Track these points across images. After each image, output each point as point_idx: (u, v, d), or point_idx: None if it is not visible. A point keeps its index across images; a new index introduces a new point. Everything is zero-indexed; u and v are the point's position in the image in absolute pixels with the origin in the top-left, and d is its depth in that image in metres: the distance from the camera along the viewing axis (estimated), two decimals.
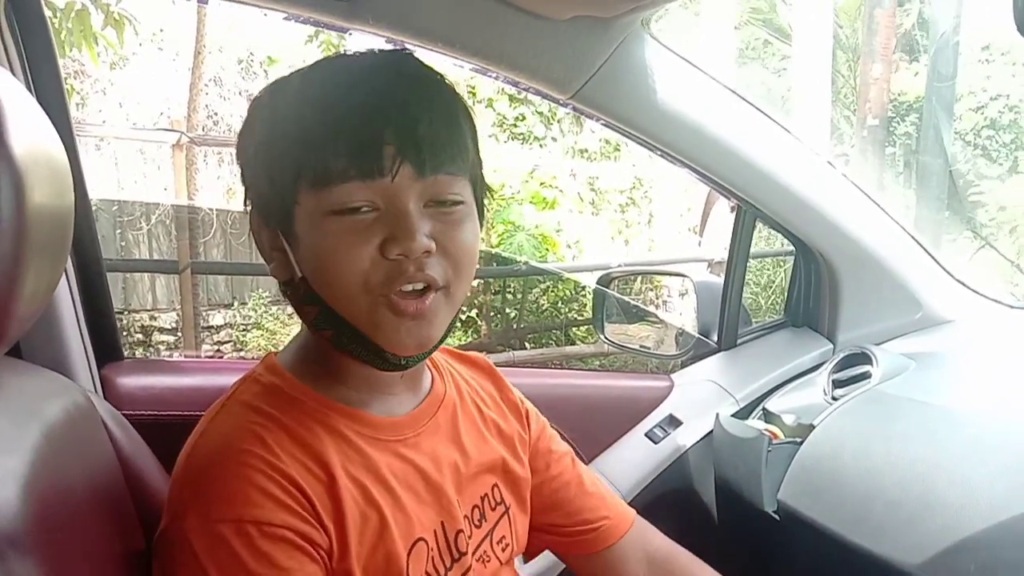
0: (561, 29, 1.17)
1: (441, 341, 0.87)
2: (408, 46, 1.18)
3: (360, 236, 0.78)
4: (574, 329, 6.99)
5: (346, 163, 0.77)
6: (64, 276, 1.15)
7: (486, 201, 0.92)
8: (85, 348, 1.20)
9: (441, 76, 0.86)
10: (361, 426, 0.87)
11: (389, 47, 1.18)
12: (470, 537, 0.94)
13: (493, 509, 1.00)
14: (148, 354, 6.08)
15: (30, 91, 1.12)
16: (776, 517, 1.30)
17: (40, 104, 0.76)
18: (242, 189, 0.89)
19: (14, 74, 1.09)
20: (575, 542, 1.10)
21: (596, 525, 1.09)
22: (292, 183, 0.79)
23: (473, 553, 0.94)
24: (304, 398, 0.85)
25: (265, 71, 6.83)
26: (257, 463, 0.77)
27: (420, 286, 0.80)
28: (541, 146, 7.45)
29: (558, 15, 1.14)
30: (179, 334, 6.16)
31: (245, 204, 0.88)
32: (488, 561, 0.97)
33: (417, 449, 0.91)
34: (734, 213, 1.64)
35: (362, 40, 1.17)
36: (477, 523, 0.96)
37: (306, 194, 0.79)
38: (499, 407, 1.08)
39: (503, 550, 1.00)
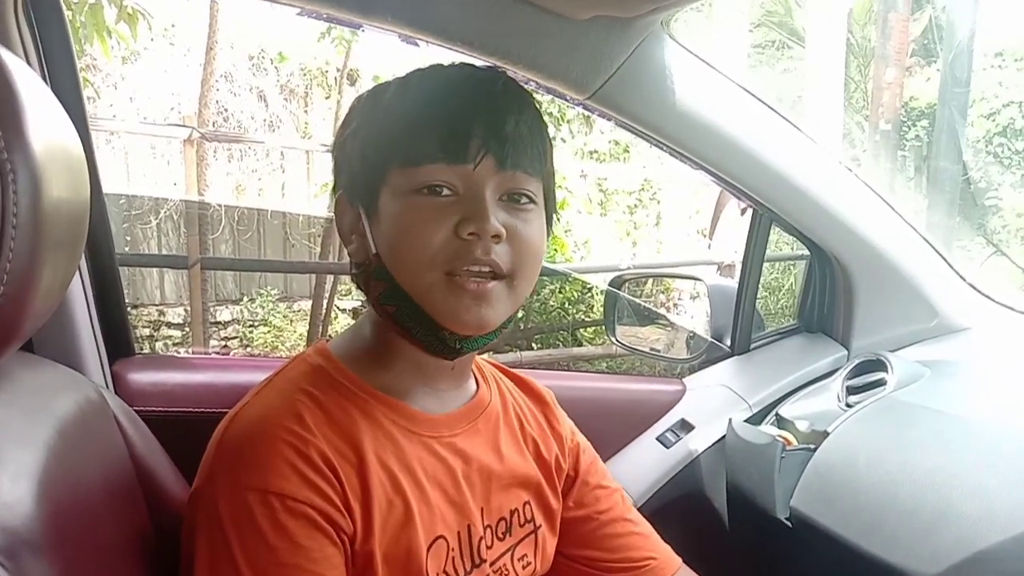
0: (580, 29, 1.16)
1: (497, 332, 0.91)
2: (424, 43, 1.18)
3: (438, 213, 0.84)
4: (581, 330, 6.98)
5: (436, 147, 0.85)
6: (77, 271, 1.15)
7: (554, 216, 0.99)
8: (97, 343, 1.20)
9: (530, 93, 0.94)
10: (398, 416, 0.90)
11: (402, 44, 1.19)
12: (490, 547, 0.95)
13: (521, 526, 1.01)
14: (155, 349, 6.09)
15: (46, 83, 1.12)
16: (789, 524, 1.28)
17: (56, 97, 0.75)
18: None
19: (31, 67, 1.09)
20: None
21: (640, 564, 1.10)
22: (384, 162, 0.87)
23: (492, 564, 0.95)
24: (347, 383, 0.89)
25: (276, 68, 6.83)
26: (291, 438, 0.80)
27: (486, 269, 0.85)
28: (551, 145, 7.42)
29: (577, 15, 1.13)
30: (186, 329, 6.18)
31: (334, 191, 0.96)
32: (506, 575, 0.97)
33: (451, 449, 0.93)
34: (744, 216, 1.63)
35: (375, 37, 1.17)
36: (500, 536, 0.97)
37: (395, 173, 0.86)
38: (543, 431, 1.09)
39: (524, 568, 1.00)
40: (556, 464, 1.07)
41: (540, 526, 1.03)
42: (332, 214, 0.99)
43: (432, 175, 0.85)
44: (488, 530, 0.95)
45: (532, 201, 0.90)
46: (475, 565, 0.92)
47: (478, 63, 0.98)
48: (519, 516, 1.00)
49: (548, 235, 0.95)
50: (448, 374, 0.95)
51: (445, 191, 0.85)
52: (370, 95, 0.94)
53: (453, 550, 0.90)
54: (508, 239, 0.86)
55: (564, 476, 1.09)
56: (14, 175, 0.56)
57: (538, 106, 0.93)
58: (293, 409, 0.83)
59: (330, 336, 0.98)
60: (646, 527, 1.15)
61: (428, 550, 0.87)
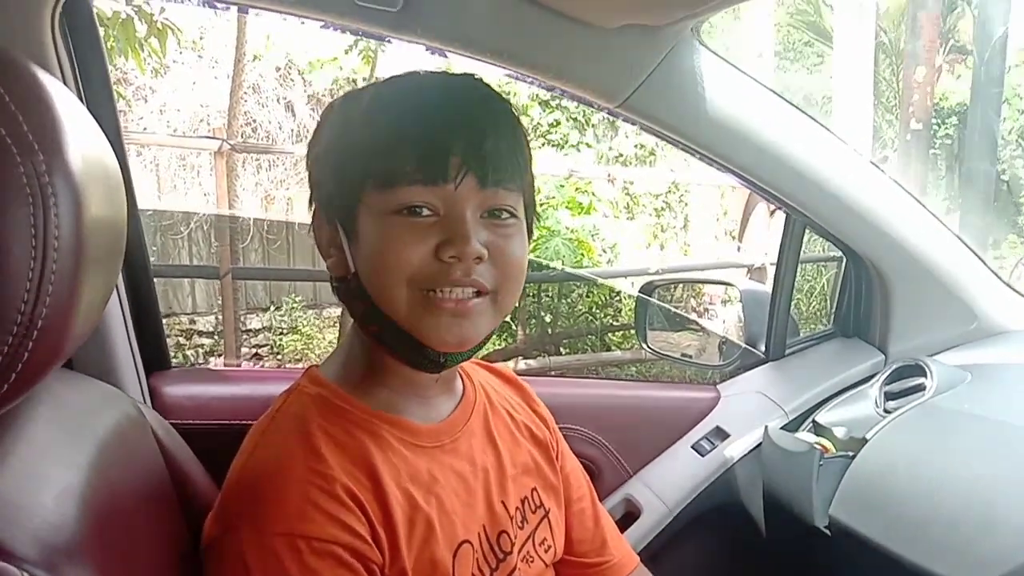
0: (610, 37, 1.15)
1: (481, 345, 0.90)
2: (454, 56, 1.18)
3: (418, 235, 0.82)
4: (610, 335, 6.94)
5: (414, 168, 0.81)
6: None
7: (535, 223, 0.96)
8: (134, 358, 1.21)
9: (507, 100, 0.90)
10: (403, 433, 0.90)
11: (429, 56, 1.19)
12: (514, 538, 0.96)
13: (534, 512, 1.02)
14: (187, 357, 6.16)
15: (81, 101, 1.13)
16: (827, 532, 1.26)
17: (92, 113, 0.76)
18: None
19: (66, 84, 1.10)
20: (575, 574, 1.11)
21: (600, 561, 1.11)
22: (359, 183, 0.84)
23: (518, 553, 0.96)
24: (349, 407, 0.88)
25: (303, 78, 6.89)
26: (314, 478, 0.80)
27: (470, 291, 0.83)
28: (577, 150, 7.43)
29: (607, 23, 1.13)
30: (217, 337, 6.24)
31: (310, 203, 0.93)
32: (532, 562, 0.99)
33: (456, 454, 0.94)
34: (774, 217, 1.62)
35: (403, 49, 1.17)
36: (520, 525, 0.99)
37: (371, 194, 0.83)
38: (529, 414, 1.10)
39: (546, 551, 1.02)
40: (550, 445, 1.09)
41: (550, 509, 1.04)
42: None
43: (410, 196, 0.81)
44: (511, 521, 0.96)
45: (513, 216, 0.87)
46: (499, 560, 0.93)
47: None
48: (530, 503, 1.02)
49: (528, 245, 0.92)
50: (435, 384, 0.94)
51: (425, 211, 0.82)
52: (342, 106, 0.91)
53: (477, 552, 0.91)
54: (491, 257, 0.84)
55: (556, 456, 1.10)
56: (55, 198, 0.56)
57: (517, 114, 0.90)
58: (310, 446, 0.82)
59: (316, 363, 0.97)
60: (610, 523, 1.16)
61: (454, 557, 0.88)
